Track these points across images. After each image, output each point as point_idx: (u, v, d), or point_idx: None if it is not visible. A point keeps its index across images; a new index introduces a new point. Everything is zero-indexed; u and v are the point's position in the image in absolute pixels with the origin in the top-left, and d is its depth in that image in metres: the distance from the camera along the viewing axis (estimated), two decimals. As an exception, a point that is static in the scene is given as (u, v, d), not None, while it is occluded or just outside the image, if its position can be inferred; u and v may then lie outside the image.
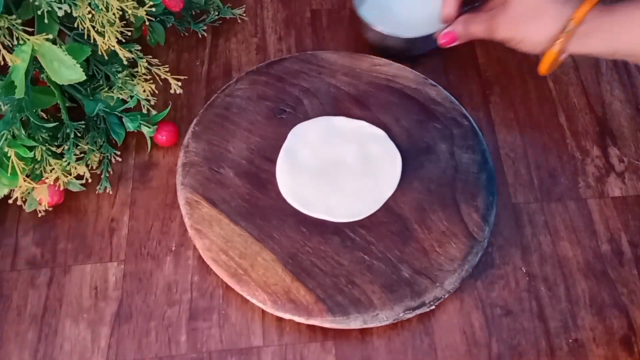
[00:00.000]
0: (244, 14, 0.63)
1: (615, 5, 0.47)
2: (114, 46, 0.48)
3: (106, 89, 0.53)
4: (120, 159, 0.53)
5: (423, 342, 0.47)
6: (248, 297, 0.46)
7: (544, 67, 0.50)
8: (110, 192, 0.52)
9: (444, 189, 0.51)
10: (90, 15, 0.47)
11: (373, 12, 0.58)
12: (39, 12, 0.45)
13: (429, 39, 0.58)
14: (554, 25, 0.47)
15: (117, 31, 0.48)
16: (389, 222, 0.49)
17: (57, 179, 0.48)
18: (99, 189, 0.52)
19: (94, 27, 0.47)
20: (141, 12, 0.49)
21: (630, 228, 0.52)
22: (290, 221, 0.49)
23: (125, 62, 0.51)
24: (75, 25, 0.47)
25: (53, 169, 0.48)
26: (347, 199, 0.50)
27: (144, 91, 0.52)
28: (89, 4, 0.46)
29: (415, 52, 0.60)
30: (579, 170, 0.55)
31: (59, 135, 0.50)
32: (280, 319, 0.47)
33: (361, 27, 0.59)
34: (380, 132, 0.53)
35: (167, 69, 0.54)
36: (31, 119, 0.47)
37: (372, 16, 0.57)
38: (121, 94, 0.52)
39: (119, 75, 0.52)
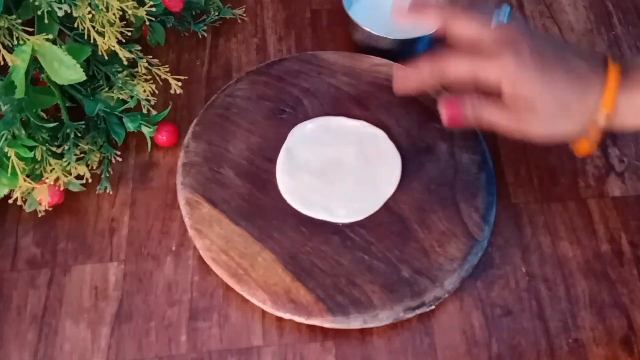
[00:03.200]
0: (244, 14, 0.63)
1: None
2: (114, 46, 0.48)
3: (106, 89, 0.53)
4: (120, 159, 0.53)
5: (423, 342, 0.47)
6: (248, 297, 0.46)
7: (581, 152, 0.46)
8: (111, 192, 0.52)
9: (444, 189, 0.51)
10: (90, 16, 0.47)
11: (362, 13, 0.59)
12: (39, 12, 0.45)
13: (419, 41, 0.58)
14: (584, 117, 0.43)
15: (117, 31, 0.48)
16: (389, 222, 0.49)
17: (57, 179, 0.48)
18: (99, 189, 0.52)
19: (94, 27, 0.47)
20: (141, 12, 0.49)
21: (630, 228, 0.52)
22: (290, 221, 0.49)
23: (125, 62, 0.51)
24: (75, 25, 0.47)
25: (53, 169, 0.48)
26: (347, 199, 0.50)
27: (144, 91, 0.52)
28: (89, 4, 0.46)
29: (404, 54, 0.60)
30: (579, 170, 0.55)
31: (59, 135, 0.50)
32: (280, 319, 0.47)
33: (349, 27, 0.60)
34: (380, 132, 0.53)
35: (167, 69, 0.54)
36: (31, 119, 0.47)
37: (362, 17, 0.58)
38: (121, 94, 0.52)
39: (119, 75, 0.52)
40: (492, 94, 0.45)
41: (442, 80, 0.47)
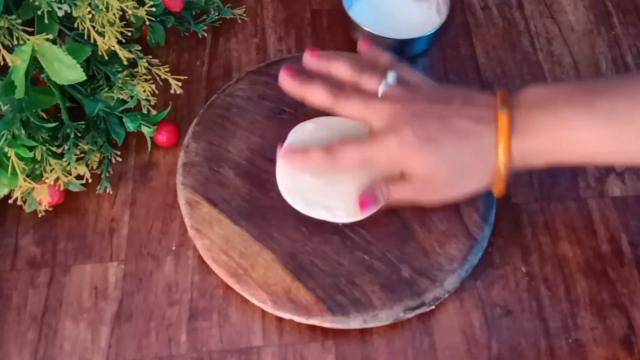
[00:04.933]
0: (244, 14, 0.63)
1: (532, 123, 0.42)
2: (114, 46, 0.48)
3: (106, 89, 0.53)
4: (120, 159, 0.53)
5: (423, 342, 0.47)
6: (248, 297, 0.46)
7: (498, 194, 0.45)
8: (111, 192, 0.52)
9: (444, 189, 0.51)
10: (90, 16, 0.47)
11: (362, 13, 0.59)
12: (39, 12, 0.45)
13: (418, 41, 0.58)
14: (486, 171, 0.43)
15: (117, 31, 0.48)
16: (389, 222, 0.49)
17: (57, 179, 0.48)
18: (99, 189, 0.52)
19: (94, 27, 0.47)
20: (141, 12, 0.49)
21: (630, 228, 0.52)
22: (290, 221, 0.49)
23: (125, 62, 0.51)
24: (75, 25, 0.47)
25: (53, 169, 0.48)
26: (347, 199, 0.50)
27: (144, 91, 0.52)
28: (89, 4, 0.46)
29: (404, 54, 0.60)
30: (579, 170, 0.55)
31: (59, 135, 0.50)
32: (280, 319, 0.47)
33: (350, 27, 0.60)
34: (380, 132, 0.53)
35: (167, 69, 0.54)
36: (31, 119, 0.47)
37: (362, 17, 0.58)
38: (121, 94, 0.52)
39: (119, 75, 0.52)
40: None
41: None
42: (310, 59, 0.50)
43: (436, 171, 0.44)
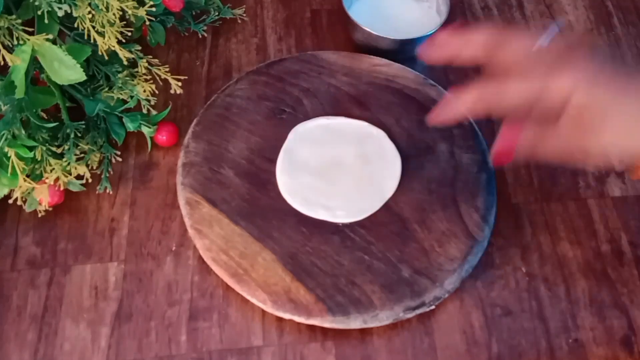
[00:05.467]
0: (244, 14, 0.63)
1: None
2: (114, 46, 0.48)
3: (106, 89, 0.53)
4: (120, 159, 0.53)
5: (423, 342, 0.47)
6: (248, 297, 0.46)
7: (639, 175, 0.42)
8: (111, 192, 0.52)
9: (444, 189, 0.51)
10: (90, 16, 0.47)
11: (362, 13, 0.59)
12: (39, 12, 0.45)
13: (418, 41, 0.58)
14: None
15: (117, 31, 0.48)
16: (389, 222, 0.49)
17: (57, 179, 0.48)
18: (99, 189, 0.52)
19: (94, 27, 0.47)
20: (141, 12, 0.49)
21: (630, 228, 0.52)
22: (290, 221, 0.49)
23: (125, 62, 0.51)
24: (75, 25, 0.47)
25: (53, 169, 0.48)
26: (347, 199, 0.50)
27: (144, 91, 0.52)
28: (89, 4, 0.46)
29: (404, 54, 0.60)
30: (579, 170, 0.55)
31: (59, 135, 0.50)
32: (280, 319, 0.47)
33: (350, 27, 0.60)
34: (380, 132, 0.53)
35: (167, 69, 0.54)
36: (31, 119, 0.47)
37: (362, 16, 0.58)
38: (121, 94, 0.52)
39: (119, 75, 0.52)
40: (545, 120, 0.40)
41: (496, 107, 0.40)
42: (448, 33, 0.43)
43: (619, 102, 0.39)
